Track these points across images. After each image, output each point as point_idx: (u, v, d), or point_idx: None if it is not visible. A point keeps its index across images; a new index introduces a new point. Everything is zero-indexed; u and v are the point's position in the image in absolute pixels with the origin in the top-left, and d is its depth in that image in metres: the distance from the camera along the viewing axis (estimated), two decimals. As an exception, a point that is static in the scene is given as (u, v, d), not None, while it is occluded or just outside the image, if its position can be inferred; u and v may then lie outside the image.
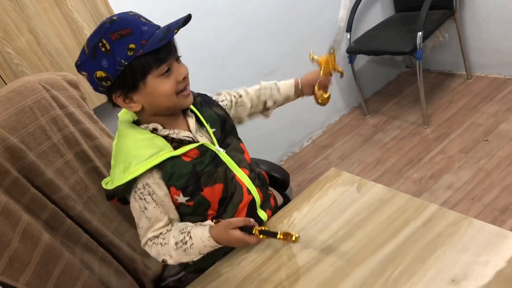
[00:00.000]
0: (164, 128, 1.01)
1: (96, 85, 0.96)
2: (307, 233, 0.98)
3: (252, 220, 0.97)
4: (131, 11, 0.96)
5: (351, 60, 2.70)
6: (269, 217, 1.12)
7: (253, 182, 1.09)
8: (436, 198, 2.03)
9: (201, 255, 1.00)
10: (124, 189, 0.99)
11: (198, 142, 1.03)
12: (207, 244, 0.97)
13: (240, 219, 0.97)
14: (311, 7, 2.63)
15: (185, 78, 0.99)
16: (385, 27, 2.68)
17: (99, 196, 1.29)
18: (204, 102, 1.12)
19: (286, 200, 1.41)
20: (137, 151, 0.97)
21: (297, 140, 2.86)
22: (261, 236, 0.94)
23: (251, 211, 1.07)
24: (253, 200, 1.07)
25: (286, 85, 1.27)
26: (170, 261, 1.01)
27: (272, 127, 2.68)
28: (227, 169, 1.05)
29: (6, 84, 1.69)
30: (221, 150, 1.05)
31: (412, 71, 3.15)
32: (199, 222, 1.04)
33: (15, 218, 1.02)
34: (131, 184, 0.98)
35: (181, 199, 1.01)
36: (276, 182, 1.41)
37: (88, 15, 1.83)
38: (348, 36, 2.70)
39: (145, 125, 1.02)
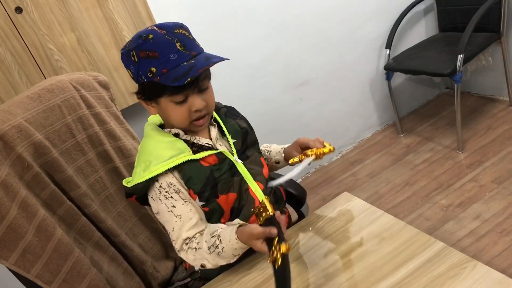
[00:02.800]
0: (185, 134, 1.04)
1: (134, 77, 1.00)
2: (309, 257, 0.98)
3: (274, 231, 0.88)
4: (179, 28, 0.95)
5: (388, 77, 2.65)
6: None
7: (266, 196, 1.09)
8: (462, 227, 1.97)
9: (237, 256, 0.97)
10: (142, 188, 1.01)
11: (217, 150, 1.04)
12: (237, 247, 0.94)
13: (260, 231, 0.89)
14: (350, 20, 2.61)
15: (199, 111, 0.99)
16: (426, 46, 2.62)
17: (117, 196, 1.33)
18: (229, 113, 1.14)
19: (301, 217, 1.40)
20: (158, 152, 1.00)
21: (326, 153, 2.83)
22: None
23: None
24: None
25: (276, 149, 1.24)
26: (209, 266, 0.99)
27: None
28: (242, 180, 1.06)
29: (45, 78, 1.77)
30: (239, 161, 1.06)
31: (451, 93, 3.06)
32: (229, 222, 1.03)
33: (32, 212, 1.07)
34: (149, 183, 1.00)
35: (198, 203, 1.03)
36: (292, 198, 1.41)
37: (128, 17, 1.88)
38: (387, 53, 2.66)
39: (169, 129, 1.04)
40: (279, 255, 0.81)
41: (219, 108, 1.12)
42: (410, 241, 0.91)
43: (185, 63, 0.92)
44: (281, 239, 0.84)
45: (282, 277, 0.80)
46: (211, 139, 1.06)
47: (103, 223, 1.24)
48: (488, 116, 2.66)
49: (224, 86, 2.38)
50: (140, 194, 1.02)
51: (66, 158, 1.21)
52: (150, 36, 0.92)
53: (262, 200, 0.94)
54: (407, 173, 2.46)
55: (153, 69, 0.92)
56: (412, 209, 2.18)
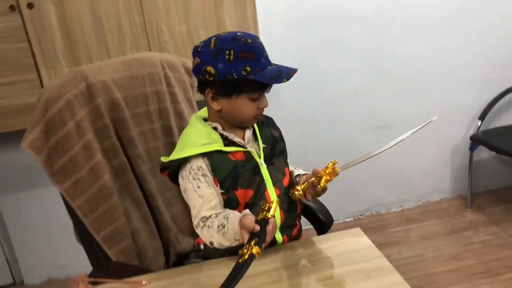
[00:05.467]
0: (223, 129, 1.17)
1: (199, 72, 1.13)
2: (296, 271, 1.06)
3: (257, 228, 0.97)
4: (258, 38, 1.12)
5: (472, 148, 2.58)
6: (284, 242, 1.20)
7: (280, 203, 1.17)
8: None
9: (238, 241, 1.04)
10: (175, 165, 1.16)
11: (246, 149, 1.16)
12: (237, 231, 1.02)
13: (248, 223, 0.97)
14: (449, 80, 2.59)
15: (263, 109, 1.17)
16: (522, 129, 2.51)
17: (166, 167, 1.49)
18: (266, 122, 1.26)
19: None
20: (195, 138, 1.15)
21: (387, 202, 2.81)
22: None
23: None
24: None
25: (296, 172, 1.31)
26: (215, 244, 1.10)
27: (364, 180, 2.70)
28: (262, 182, 1.17)
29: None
30: (264, 165, 1.17)
31: (540, 185, 2.87)
32: (245, 211, 1.10)
33: (91, 154, 1.27)
34: (181, 162, 1.15)
35: (218, 190, 1.15)
36: (317, 223, 1.46)
37: (236, 21, 2.07)
38: (479, 124, 2.59)
39: (210, 122, 1.19)
40: (248, 253, 0.91)
41: None
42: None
43: (269, 67, 1.10)
44: (258, 243, 0.93)
45: (236, 271, 0.88)
46: (243, 139, 1.18)
47: (147, 185, 1.42)
48: None
49: (302, 107, 2.50)
50: (172, 170, 1.17)
51: (135, 121, 1.41)
52: (249, 40, 1.08)
53: (273, 200, 1.04)
54: (460, 247, 2.38)
55: (248, 68, 1.07)
56: (449, 283, 2.11)
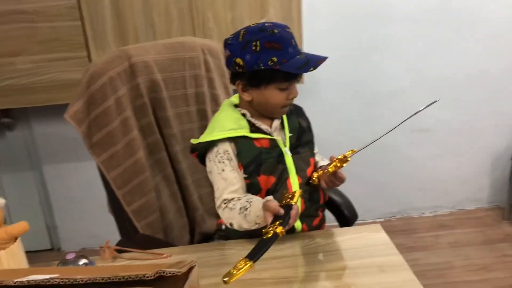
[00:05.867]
0: (252, 116, 1.20)
1: (230, 64, 1.17)
2: (311, 259, 1.09)
3: (281, 211, 1.00)
4: (288, 28, 1.14)
5: (515, 158, 2.50)
6: (303, 231, 1.22)
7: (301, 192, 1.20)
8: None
9: (258, 225, 1.08)
10: (203, 147, 1.20)
11: (272, 137, 1.19)
12: (259, 214, 1.06)
13: (273, 206, 1.01)
14: (497, 90, 2.52)
15: (292, 98, 1.17)
16: None
17: (199, 149, 1.55)
18: (294, 111, 1.28)
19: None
20: (223, 123, 1.19)
21: (420, 206, 2.77)
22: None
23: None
24: None
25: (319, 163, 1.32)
26: (235, 226, 1.15)
27: (398, 182, 2.67)
28: (285, 170, 1.19)
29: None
30: (289, 153, 1.20)
31: None
32: (268, 197, 1.12)
33: (128, 129, 1.33)
34: (209, 145, 1.19)
35: (241, 174, 1.19)
36: (342, 218, 1.48)
37: (280, 12, 2.10)
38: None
39: (240, 109, 1.22)
40: (272, 231, 0.95)
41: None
42: (402, 284, 0.96)
43: (297, 56, 1.10)
44: (283, 224, 0.97)
45: (261, 246, 0.91)
46: (271, 127, 1.21)
47: (178, 164, 1.47)
48: None
49: (339, 103, 2.50)
50: (201, 152, 1.21)
51: (172, 102, 1.46)
52: (276, 30, 1.10)
53: (296, 190, 1.08)
54: (491, 259, 2.31)
55: (274, 59, 1.08)
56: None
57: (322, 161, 1.34)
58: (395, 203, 2.74)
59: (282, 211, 1.01)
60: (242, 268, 0.84)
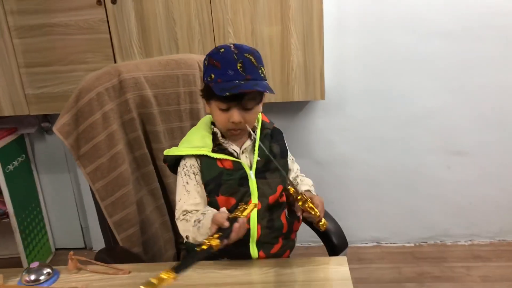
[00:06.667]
0: (222, 136, 1.20)
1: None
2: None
3: (225, 224, 0.98)
4: (250, 54, 1.12)
5: None
6: (260, 258, 1.18)
7: (259, 217, 1.17)
8: None
9: None
10: (172, 159, 1.24)
11: (238, 159, 1.17)
12: (211, 227, 1.04)
13: (219, 218, 1.00)
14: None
15: (235, 123, 1.13)
16: None
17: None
18: (270, 136, 1.25)
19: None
20: (192, 139, 1.22)
21: (455, 234, 2.58)
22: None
23: (242, 240, 1.13)
24: (247, 232, 1.15)
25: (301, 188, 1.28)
26: (190, 239, 1.16)
27: (432, 206, 2.52)
28: (247, 193, 1.17)
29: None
30: (253, 177, 1.17)
31: None
32: (222, 208, 1.12)
33: (114, 143, 1.37)
34: (178, 157, 1.22)
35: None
36: (331, 246, 1.41)
37: (301, 27, 2.06)
38: None
39: (213, 126, 1.22)
40: (207, 244, 0.92)
41: (265, 127, 1.23)
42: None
43: (237, 81, 1.09)
44: (221, 237, 0.95)
45: (190, 258, 0.90)
46: (240, 148, 1.19)
47: (166, 179, 1.50)
48: None
49: (369, 121, 2.40)
50: (170, 163, 1.25)
51: (164, 117, 1.49)
52: (222, 50, 1.12)
53: (253, 203, 1.08)
54: (526, 299, 2.11)
55: (212, 76, 1.11)
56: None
57: (303, 185, 1.30)
58: (428, 227, 2.58)
59: (227, 224, 0.99)
60: (164, 278, 0.82)
